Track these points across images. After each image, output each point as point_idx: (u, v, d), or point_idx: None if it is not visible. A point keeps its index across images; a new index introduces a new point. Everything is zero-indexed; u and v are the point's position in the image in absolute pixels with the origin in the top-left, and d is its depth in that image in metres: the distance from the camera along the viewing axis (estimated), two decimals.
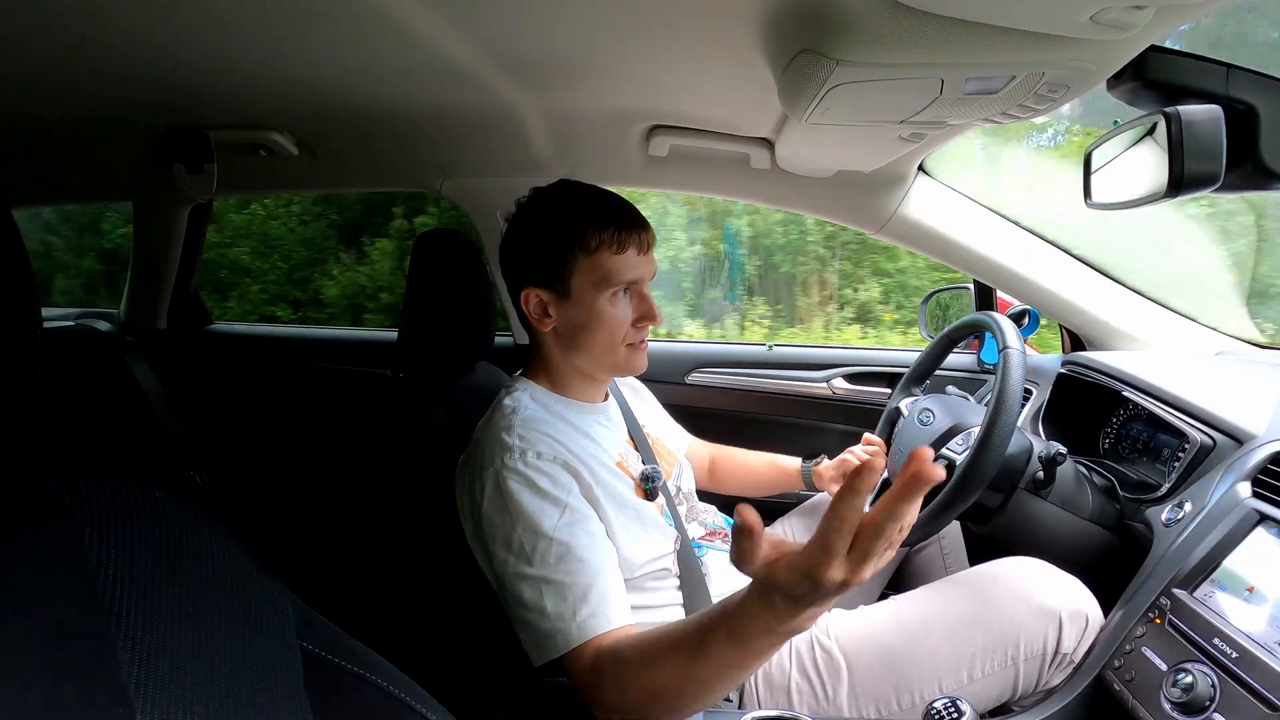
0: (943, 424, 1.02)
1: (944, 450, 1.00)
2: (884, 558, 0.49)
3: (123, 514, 0.38)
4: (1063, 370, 1.24)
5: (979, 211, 1.29)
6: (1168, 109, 0.68)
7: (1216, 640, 0.69)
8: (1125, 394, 1.07)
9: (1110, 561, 0.96)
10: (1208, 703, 0.65)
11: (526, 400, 0.87)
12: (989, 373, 1.52)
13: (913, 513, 0.48)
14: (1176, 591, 0.76)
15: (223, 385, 1.78)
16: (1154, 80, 0.67)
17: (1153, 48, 0.63)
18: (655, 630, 0.67)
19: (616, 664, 0.69)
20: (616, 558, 0.80)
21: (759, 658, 0.60)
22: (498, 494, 0.78)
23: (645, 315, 0.87)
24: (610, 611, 0.73)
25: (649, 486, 0.90)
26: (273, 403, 1.74)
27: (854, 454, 1.15)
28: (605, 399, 0.98)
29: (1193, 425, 0.93)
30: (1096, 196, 0.87)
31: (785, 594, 0.51)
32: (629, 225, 0.84)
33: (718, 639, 0.59)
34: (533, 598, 0.73)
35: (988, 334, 1.31)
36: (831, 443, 1.60)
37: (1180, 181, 0.68)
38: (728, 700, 0.90)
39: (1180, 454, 0.95)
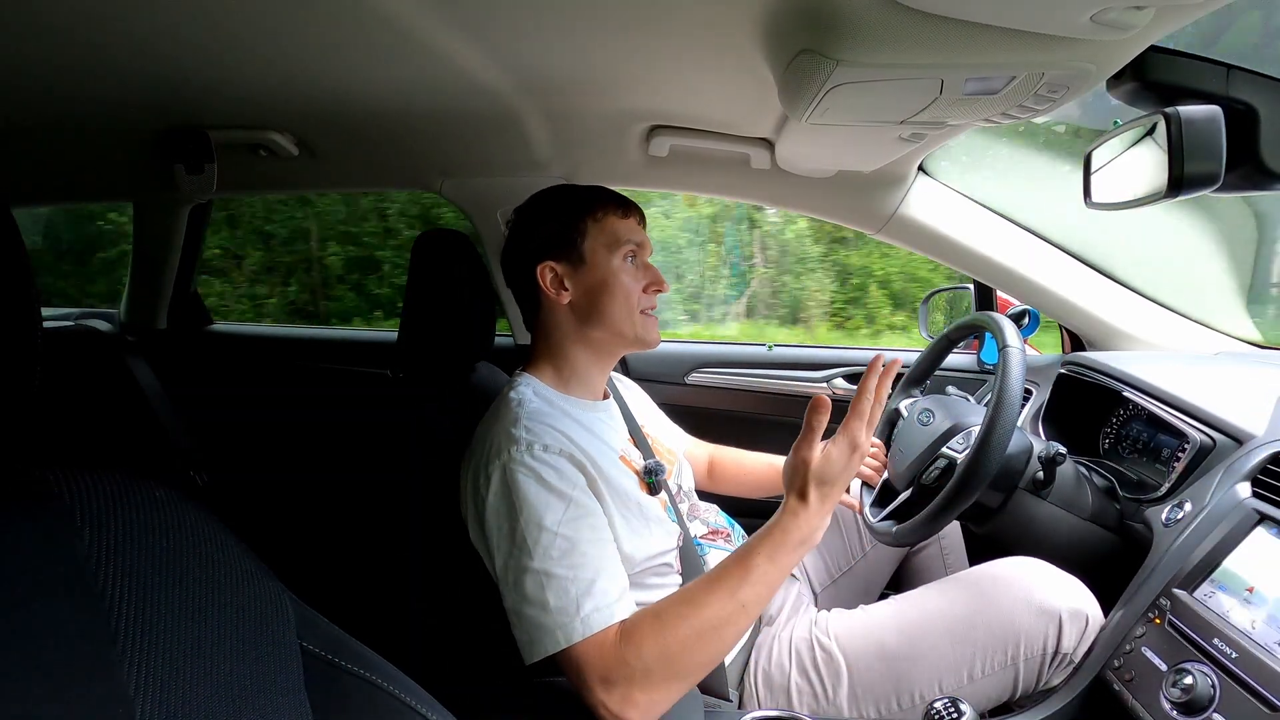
0: (942, 424, 1.02)
1: (944, 449, 1.00)
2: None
3: (123, 514, 0.38)
4: (1063, 370, 1.24)
5: (979, 211, 1.29)
6: (1167, 109, 0.68)
7: (1216, 640, 0.69)
8: (1125, 394, 1.07)
9: (1110, 561, 0.96)
10: (1208, 703, 0.65)
11: (530, 395, 0.87)
12: (989, 373, 1.52)
13: (885, 388, 0.76)
14: (1176, 591, 0.76)
15: (223, 385, 1.78)
16: (1154, 81, 0.67)
17: (1153, 48, 0.63)
18: (670, 596, 0.76)
19: (634, 635, 0.71)
20: (619, 554, 0.80)
21: (785, 575, 0.75)
22: (503, 487, 0.77)
23: (654, 281, 0.92)
24: (615, 606, 0.73)
25: (652, 480, 0.90)
26: (273, 403, 1.74)
27: None
28: (605, 397, 0.98)
29: (1192, 425, 0.93)
30: (1096, 197, 0.87)
31: (830, 475, 0.73)
32: (625, 200, 0.93)
33: (761, 556, 0.73)
34: (535, 591, 0.73)
35: (988, 334, 1.31)
36: None
37: (1180, 182, 0.68)
38: (727, 700, 0.90)
39: (1180, 454, 0.95)
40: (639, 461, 0.93)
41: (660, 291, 0.93)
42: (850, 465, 0.73)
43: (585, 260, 0.89)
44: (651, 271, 0.93)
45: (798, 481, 0.74)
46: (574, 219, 0.90)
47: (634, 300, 0.90)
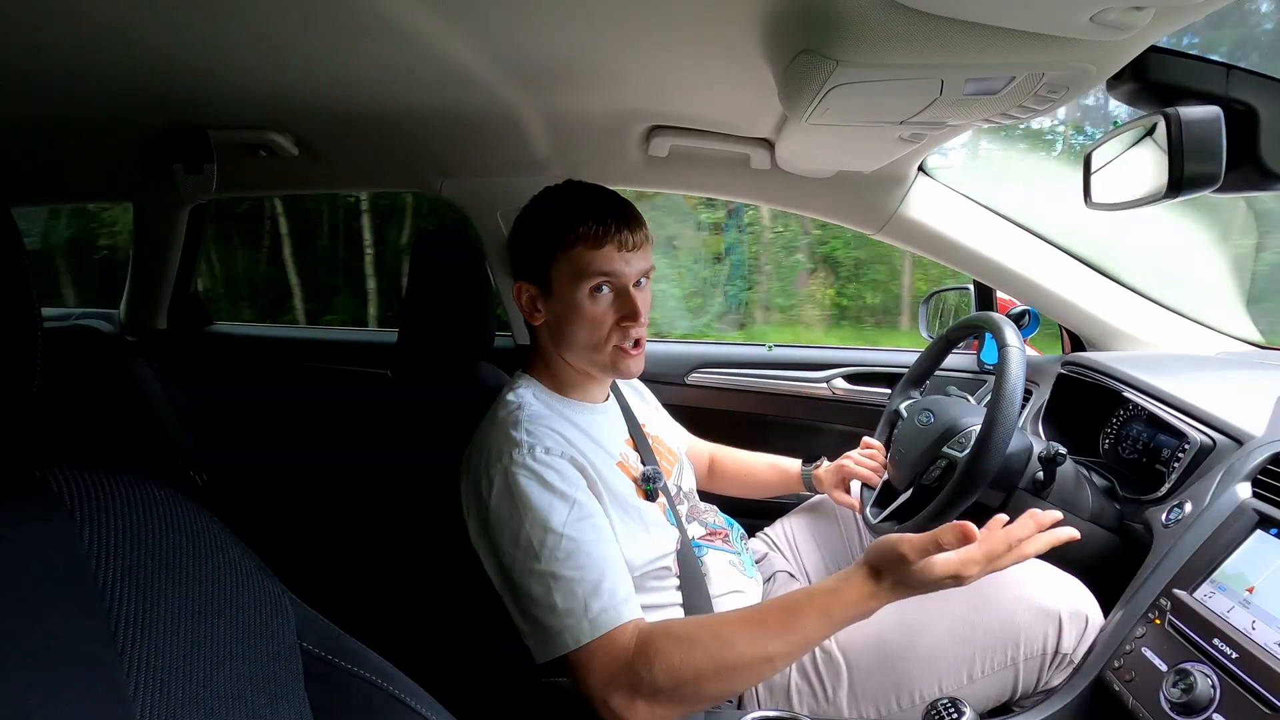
0: (942, 424, 1.02)
1: (944, 450, 1.00)
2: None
3: (123, 514, 0.38)
4: (1063, 370, 1.23)
5: (979, 212, 1.29)
6: (1167, 110, 0.68)
7: (1216, 641, 0.69)
8: (1125, 394, 1.07)
9: (1110, 562, 0.96)
10: (1207, 703, 0.65)
11: (529, 397, 0.87)
12: (989, 373, 1.52)
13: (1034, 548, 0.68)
14: (1176, 592, 0.76)
15: (223, 386, 1.78)
16: (1154, 81, 0.67)
17: (1152, 48, 0.63)
18: (700, 620, 0.75)
19: (650, 650, 0.70)
20: (622, 554, 0.80)
21: (820, 640, 0.72)
22: (506, 490, 0.77)
23: (626, 315, 0.85)
24: (622, 606, 0.73)
25: (649, 487, 0.90)
26: (273, 403, 1.74)
27: (852, 458, 1.14)
28: (606, 399, 0.98)
29: (1193, 426, 0.93)
30: (1096, 197, 0.87)
31: (915, 581, 0.67)
32: (611, 222, 0.84)
33: (811, 614, 0.70)
34: (542, 594, 0.73)
35: (988, 334, 1.31)
36: (831, 443, 1.60)
37: (1180, 182, 0.68)
38: (727, 701, 0.90)
39: (1180, 455, 0.95)
40: (636, 467, 0.92)
41: (634, 325, 0.85)
42: (939, 586, 0.67)
43: (552, 290, 0.86)
44: (626, 304, 0.85)
45: (884, 564, 0.69)
46: (544, 247, 0.85)
47: (601, 334, 0.85)
